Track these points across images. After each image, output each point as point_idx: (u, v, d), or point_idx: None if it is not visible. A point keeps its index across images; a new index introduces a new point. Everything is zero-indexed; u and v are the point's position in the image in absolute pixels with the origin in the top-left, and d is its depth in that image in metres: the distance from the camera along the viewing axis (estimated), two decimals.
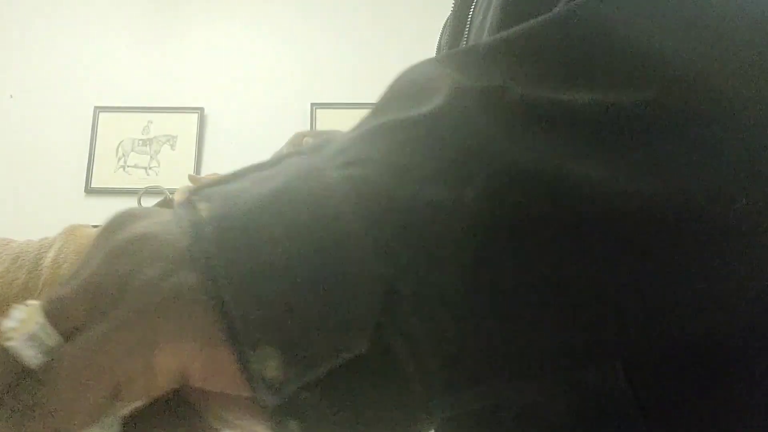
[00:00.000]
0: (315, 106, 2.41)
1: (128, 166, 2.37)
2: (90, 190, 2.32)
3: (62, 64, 2.43)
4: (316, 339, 0.20)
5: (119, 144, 2.39)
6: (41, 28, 2.47)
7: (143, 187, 2.33)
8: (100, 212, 2.41)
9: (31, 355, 0.21)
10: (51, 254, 0.65)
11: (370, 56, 2.50)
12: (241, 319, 0.20)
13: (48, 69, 2.39)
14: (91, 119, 2.39)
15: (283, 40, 2.54)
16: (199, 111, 2.42)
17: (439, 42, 0.69)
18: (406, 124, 0.27)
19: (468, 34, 0.51)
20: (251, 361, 0.20)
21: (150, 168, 2.37)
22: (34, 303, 0.22)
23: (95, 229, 0.68)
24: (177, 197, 0.67)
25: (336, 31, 2.55)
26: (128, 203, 2.35)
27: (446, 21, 0.66)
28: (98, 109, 2.41)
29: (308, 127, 2.38)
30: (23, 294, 0.62)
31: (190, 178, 0.68)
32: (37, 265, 0.64)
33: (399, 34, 2.51)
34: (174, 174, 2.34)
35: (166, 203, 0.69)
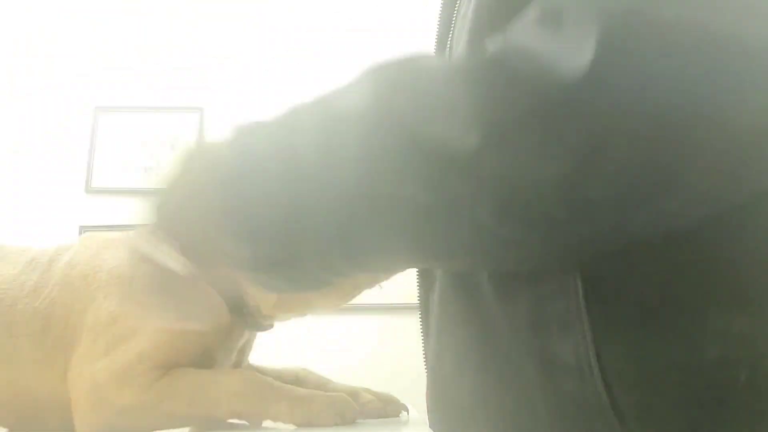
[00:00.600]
0: None
1: (129, 167, 2.37)
2: (90, 190, 2.32)
3: (63, 63, 2.43)
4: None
5: (120, 144, 2.39)
6: (42, 28, 2.47)
7: (143, 187, 2.33)
8: (101, 212, 2.41)
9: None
10: (65, 258, 0.65)
11: (371, 56, 2.50)
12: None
13: (48, 69, 2.39)
14: (92, 119, 2.39)
15: (283, 40, 2.54)
16: (200, 111, 2.42)
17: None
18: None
19: (455, 23, 0.51)
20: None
21: (150, 168, 2.37)
22: None
23: (111, 234, 0.69)
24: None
25: (337, 30, 2.55)
26: (129, 203, 2.35)
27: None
28: (98, 109, 2.41)
29: None
30: (33, 295, 0.62)
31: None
32: (50, 267, 0.64)
33: (400, 34, 2.51)
34: None
35: None
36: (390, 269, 0.48)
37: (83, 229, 2.17)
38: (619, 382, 0.37)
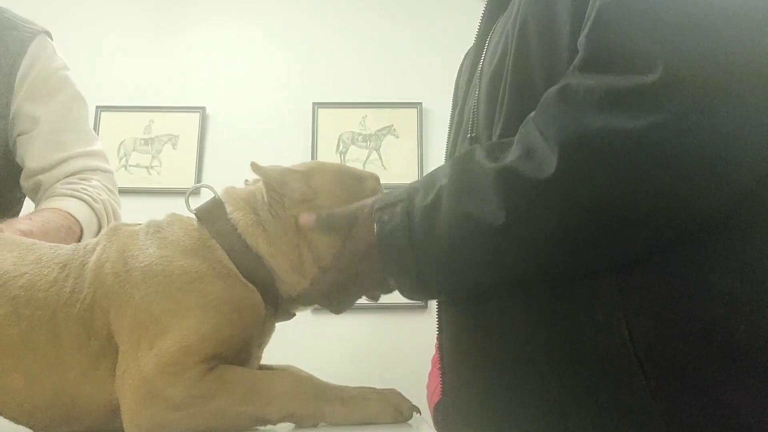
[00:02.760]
0: (316, 105, 2.42)
1: (130, 166, 2.37)
2: None
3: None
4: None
5: (121, 143, 2.39)
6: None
7: (145, 186, 2.34)
8: None
9: None
10: (94, 257, 0.64)
11: (372, 56, 2.50)
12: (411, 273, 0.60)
13: None
14: (93, 118, 2.39)
15: (284, 40, 2.54)
16: (201, 110, 2.42)
17: (461, 68, 0.86)
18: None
19: (485, 54, 0.69)
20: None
21: (152, 167, 2.37)
22: None
23: (142, 225, 0.68)
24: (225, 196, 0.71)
25: (337, 30, 2.55)
26: (130, 203, 2.35)
27: (468, 51, 0.85)
28: (100, 109, 2.41)
29: (309, 127, 2.38)
30: (70, 300, 0.61)
31: (253, 165, 0.70)
32: (83, 269, 0.63)
33: (400, 34, 2.51)
34: (176, 173, 2.35)
35: (214, 205, 0.70)
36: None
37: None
38: (640, 335, 0.49)
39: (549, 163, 0.48)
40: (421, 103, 2.40)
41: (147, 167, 2.37)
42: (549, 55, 0.56)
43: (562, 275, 0.54)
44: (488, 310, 0.61)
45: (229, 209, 0.68)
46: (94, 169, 1.10)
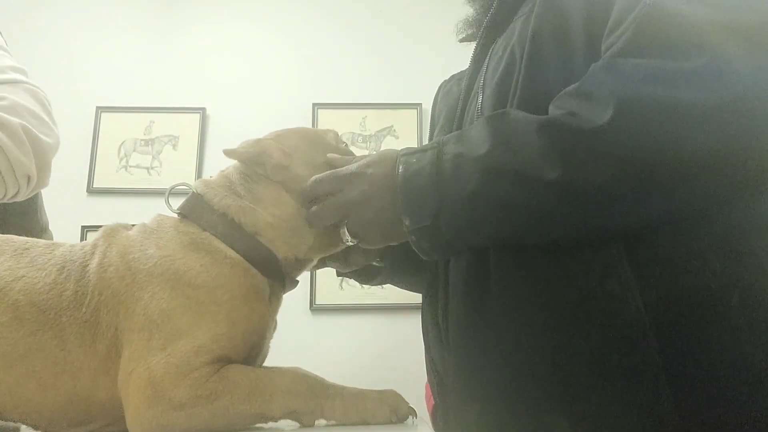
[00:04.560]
0: (317, 106, 2.42)
1: (130, 166, 2.38)
2: (92, 190, 2.33)
3: (64, 64, 2.44)
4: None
5: (121, 144, 2.39)
6: (43, 29, 2.47)
7: (145, 187, 2.34)
8: (102, 212, 2.42)
9: None
10: (96, 260, 0.64)
11: (372, 56, 2.50)
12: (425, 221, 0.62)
13: (50, 69, 2.39)
14: (93, 119, 2.40)
15: (284, 41, 2.54)
16: (201, 111, 2.43)
17: (436, 97, 0.94)
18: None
19: (486, 69, 0.74)
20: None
21: (152, 168, 2.38)
22: None
23: (134, 229, 0.69)
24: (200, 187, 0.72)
25: (337, 31, 2.55)
26: (130, 203, 2.35)
27: (442, 83, 0.93)
28: (100, 109, 2.41)
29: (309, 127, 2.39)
30: (75, 304, 0.61)
31: (225, 152, 0.72)
32: (84, 272, 0.63)
33: (401, 35, 2.51)
34: (176, 174, 2.35)
35: (195, 200, 0.71)
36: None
37: (85, 229, 2.18)
38: (650, 304, 0.55)
39: (601, 114, 0.52)
40: (421, 103, 2.41)
41: (147, 168, 2.38)
42: (564, 60, 0.62)
43: (599, 232, 0.58)
44: (496, 280, 0.64)
45: (212, 200, 0.69)
46: None
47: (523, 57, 0.66)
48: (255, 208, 0.69)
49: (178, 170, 2.36)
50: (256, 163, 0.71)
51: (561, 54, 0.62)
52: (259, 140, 0.72)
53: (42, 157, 0.91)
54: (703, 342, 0.54)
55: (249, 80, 2.48)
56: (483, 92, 0.71)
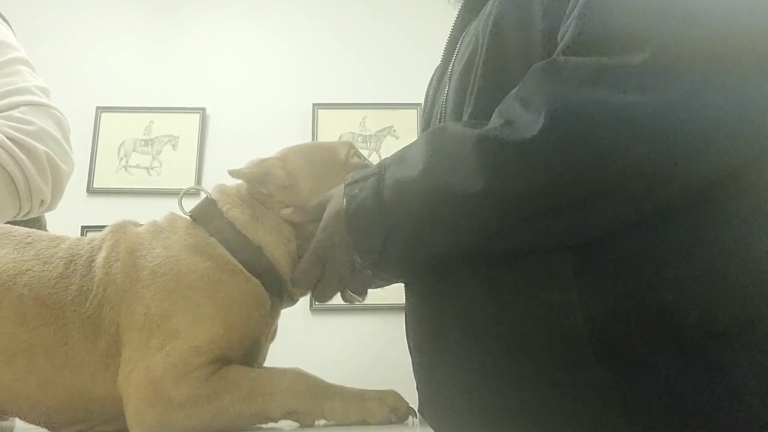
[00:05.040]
0: (317, 106, 2.42)
1: (130, 167, 2.37)
2: (92, 191, 2.32)
3: (64, 64, 2.43)
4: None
5: (121, 144, 2.39)
6: (43, 29, 2.47)
7: (145, 187, 2.34)
8: (102, 212, 2.41)
9: None
10: (102, 254, 0.64)
11: (372, 56, 2.50)
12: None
13: (49, 69, 2.39)
14: (93, 119, 2.40)
15: (284, 41, 2.54)
16: (201, 111, 2.42)
17: (431, 80, 0.93)
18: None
19: (456, 56, 0.69)
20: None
21: (152, 168, 2.38)
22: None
23: (144, 226, 0.69)
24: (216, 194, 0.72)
25: (337, 31, 2.55)
26: (130, 204, 2.35)
27: (433, 73, 0.91)
28: (100, 110, 2.41)
29: (309, 127, 2.39)
30: (78, 298, 0.61)
31: (231, 173, 0.74)
32: (90, 267, 0.63)
33: (401, 35, 2.51)
34: (176, 174, 2.35)
35: (207, 205, 0.71)
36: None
37: (85, 230, 2.18)
38: (594, 316, 0.50)
39: (532, 126, 0.48)
40: (420, 104, 2.40)
41: (147, 168, 2.37)
42: (525, 46, 0.56)
43: (532, 245, 0.53)
44: (447, 291, 0.61)
45: (223, 207, 0.69)
46: (15, 105, 0.94)
47: (483, 45, 0.61)
48: (261, 223, 0.70)
49: (178, 170, 2.35)
50: (259, 183, 0.71)
51: (522, 42, 0.57)
52: (264, 160, 0.72)
53: (58, 184, 0.95)
54: (652, 363, 0.48)
55: (249, 80, 2.48)
56: (450, 82, 0.68)
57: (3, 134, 0.87)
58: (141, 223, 0.71)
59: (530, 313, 0.53)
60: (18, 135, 0.88)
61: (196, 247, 0.65)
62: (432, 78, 0.89)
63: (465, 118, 0.61)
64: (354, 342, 2.20)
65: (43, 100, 0.98)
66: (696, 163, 0.46)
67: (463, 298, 0.59)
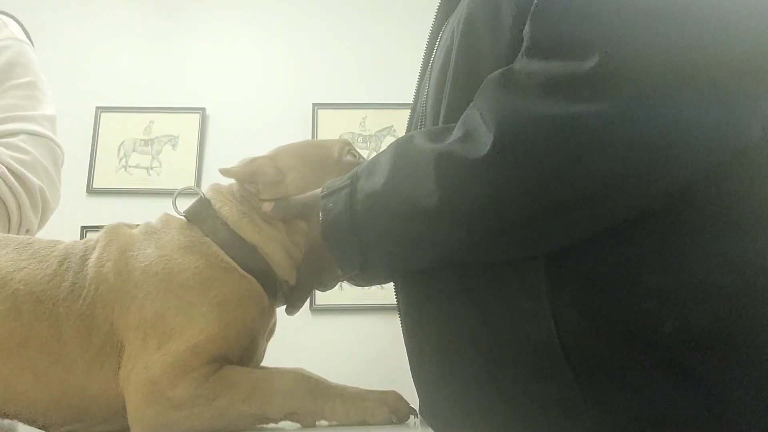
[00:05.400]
0: (317, 106, 2.42)
1: (130, 167, 2.37)
2: (92, 191, 2.32)
3: (64, 64, 2.43)
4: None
5: (121, 144, 2.39)
6: (43, 29, 2.47)
7: (145, 187, 2.34)
8: (102, 212, 2.42)
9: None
10: (96, 254, 0.65)
11: (372, 56, 2.50)
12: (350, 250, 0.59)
13: (49, 69, 2.39)
14: (93, 119, 2.39)
15: (284, 41, 2.54)
16: (201, 111, 2.42)
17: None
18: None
19: (436, 51, 0.68)
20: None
21: (152, 168, 2.37)
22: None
23: (139, 227, 0.70)
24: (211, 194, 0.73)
25: (337, 31, 2.55)
26: (130, 204, 2.35)
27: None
28: (100, 110, 2.41)
29: (309, 127, 2.39)
30: (71, 295, 0.62)
31: (222, 171, 0.75)
32: (83, 265, 0.64)
33: (401, 35, 2.51)
34: (176, 174, 2.35)
35: (202, 205, 0.72)
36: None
37: (84, 230, 2.18)
38: (566, 326, 0.47)
39: (485, 142, 0.47)
40: None
41: (147, 168, 2.37)
42: (495, 44, 0.54)
43: (495, 258, 0.52)
44: (428, 297, 0.60)
45: (217, 206, 0.70)
46: (16, 132, 0.97)
47: (455, 42, 0.59)
48: (254, 221, 0.70)
49: (177, 170, 2.35)
50: (249, 182, 0.72)
51: (492, 39, 0.54)
52: (254, 159, 0.73)
53: (44, 215, 0.98)
54: (629, 375, 0.46)
55: (249, 80, 2.48)
56: (430, 80, 0.67)
57: (4, 164, 0.90)
58: (137, 224, 0.71)
59: (505, 322, 0.51)
60: (17, 166, 0.91)
61: (188, 246, 0.66)
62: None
63: (441, 116, 0.60)
64: (354, 342, 2.20)
65: (45, 131, 1.01)
66: (647, 175, 0.44)
67: (443, 304, 0.58)
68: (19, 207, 0.91)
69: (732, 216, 0.45)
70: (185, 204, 0.72)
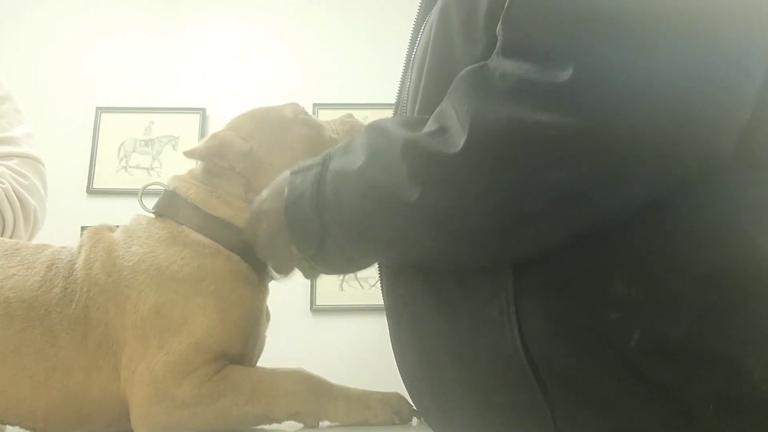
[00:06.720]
0: (317, 106, 2.42)
1: (130, 167, 2.37)
2: (92, 191, 2.32)
3: (64, 64, 2.43)
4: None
5: (121, 144, 2.39)
6: (43, 29, 2.47)
7: (144, 188, 2.34)
8: (102, 213, 2.42)
9: None
10: (82, 257, 0.65)
11: (372, 56, 2.50)
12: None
13: (50, 69, 2.39)
14: (93, 120, 2.39)
15: (284, 41, 2.54)
16: (201, 111, 2.42)
17: None
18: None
19: (417, 45, 0.67)
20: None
21: (152, 168, 2.37)
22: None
23: (117, 230, 0.70)
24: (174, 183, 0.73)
25: (338, 31, 2.55)
26: (130, 204, 2.34)
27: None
28: (100, 110, 2.41)
29: None
30: (63, 300, 0.61)
31: (186, 153, 0.76)
32: (72, 270, 0.64)
33: (401, 35, 2.50)
34: None
35: (169, 196, 0.71)
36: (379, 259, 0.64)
37: (85, 230, 2.18)
38: (532, 336, 0.46)
39: (458, 139, 0.46)
40: None
41: (147, 168, 2.37)
42: (469, 38, 0.53)
43: (464, 261, 0.51)
44: (402, 297, 0.60)
45: (182, 192, 0.70)
46: (8, 156, 1.02)
47: (431, 37, 0.58)
48: (222, 198, 0.70)
49: (178, 171, 2.35)
50: (218, 157, 0.71)
51: (466, 33, 0.53)
52: (215, 134, 0.73)
53: (33, 234, 1.04)
54: (595, 387, 0.44)
55: (249, 80, 2.48)
56: (412, 70, 0.65)
57: (11, 187, 0.97)
58: (117, 225, 0.71)
59: (472, 331, 0.50)
60: (20, 189, 0.99)
61: (168, 238, 0.66)
62: None
63: (416, 109, 0.59)
64: (355, 342, 2.20)
65: (32, 152, 1.06)
66: (613, 189, 0.43)
67: (418, 309, 0.57)
68: (14, 222, 0.97)
69: (701, 225, 0.45)
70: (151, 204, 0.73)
